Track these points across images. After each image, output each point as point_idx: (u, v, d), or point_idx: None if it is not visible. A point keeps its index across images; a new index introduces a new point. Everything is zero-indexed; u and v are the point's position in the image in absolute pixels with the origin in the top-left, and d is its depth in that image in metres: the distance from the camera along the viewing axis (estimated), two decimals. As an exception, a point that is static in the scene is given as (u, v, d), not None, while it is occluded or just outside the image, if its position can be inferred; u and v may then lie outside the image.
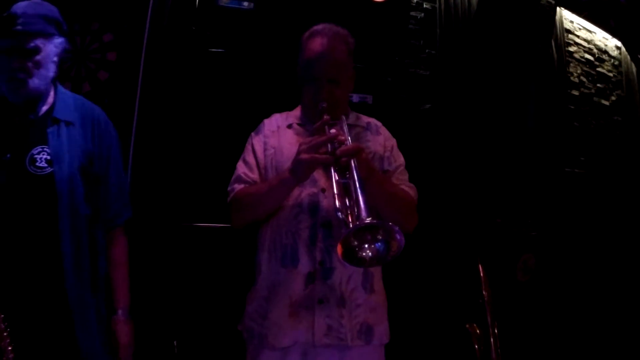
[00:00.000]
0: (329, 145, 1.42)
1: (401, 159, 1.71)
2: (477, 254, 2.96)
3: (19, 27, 1.47)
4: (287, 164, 1.50)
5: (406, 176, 1.68)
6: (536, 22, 3.70)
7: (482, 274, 2.94)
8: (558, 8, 3.87)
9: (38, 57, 1.51)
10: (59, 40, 1.58)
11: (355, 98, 2.93)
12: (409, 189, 1.63)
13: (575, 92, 4.00)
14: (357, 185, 1.32)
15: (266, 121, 1.74)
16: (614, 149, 4.30)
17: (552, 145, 3.63)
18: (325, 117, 1.50)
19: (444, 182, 3.01)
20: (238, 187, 1.61)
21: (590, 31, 4.34)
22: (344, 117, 1.59)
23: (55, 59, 1.58)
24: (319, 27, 1.65)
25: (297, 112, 1.75)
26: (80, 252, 1.49)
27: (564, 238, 3.60)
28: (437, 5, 3.30)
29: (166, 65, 2.52)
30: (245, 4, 2.72)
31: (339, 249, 1.25)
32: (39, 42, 1.51)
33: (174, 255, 2.38)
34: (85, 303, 1.49)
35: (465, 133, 3.15)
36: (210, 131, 2.57)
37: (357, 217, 1.28)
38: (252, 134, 1.72)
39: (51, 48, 1.56)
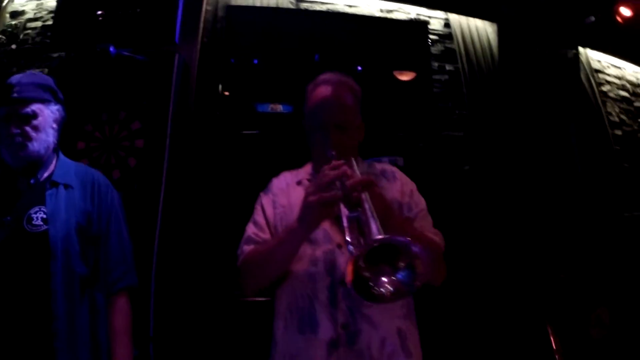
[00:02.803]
0: (338, 184, 1.29)
1: (422, 203, 1.55)
2: (545, 316, 2.76)
3: (15, 95, 1.56)
4: None
5: (429, 221, 1.52)
6: (561, 69, 3.64)
7: (552, 339, 2.72)
8: (583, 49, 3.83)
9: (36, 122, 1.58)
10: (55, 107, 1.65)
11: (385, 160, 2.89)
12: (434, 236, 1.47)
13: (618, 132, 3.87)
14: (369, 214, 1.18)
15: (275, 180, 1.64)
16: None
17: (605, 191, 3.45)
18: (333, 161, 1.37)
19: (499, 244, 2.87)
20: (247, 248, 1.48)
21: (618, 67, 4.26)
22: (352, 158, 1.46)
23: (54, 125, 1.65)
24: (324, 76, 1.59)
25: (307, 168, 1.65)
26: (75, 311, 1.45)
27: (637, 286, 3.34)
28: (459, 66, 3.31)
29: (191, 149, 2.64)
30: (281, 107, 2.80)
31: (349, 273, 1.09)
32: (35, 107, 1.58)
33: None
34: None
35: (510, 190, 3.04)
36: (235, 213, 2.57)
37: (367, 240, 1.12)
38: (261, 193, 1.62)
39: (49, 113, 1.62)
